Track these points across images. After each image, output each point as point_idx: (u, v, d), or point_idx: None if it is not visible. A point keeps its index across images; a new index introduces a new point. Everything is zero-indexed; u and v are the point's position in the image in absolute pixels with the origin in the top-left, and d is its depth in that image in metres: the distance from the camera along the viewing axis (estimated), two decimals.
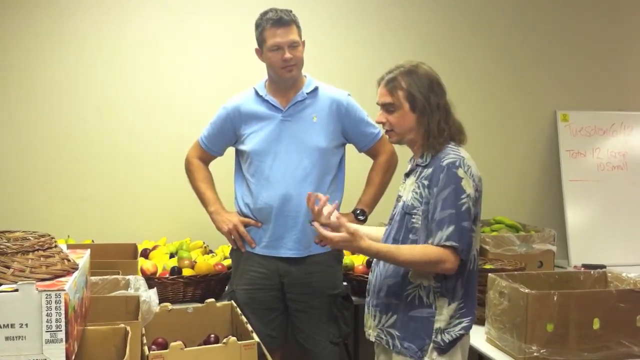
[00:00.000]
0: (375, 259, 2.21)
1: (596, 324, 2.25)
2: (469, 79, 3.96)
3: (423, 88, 2.04)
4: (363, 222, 2.70)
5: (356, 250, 2.03)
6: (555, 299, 2.22)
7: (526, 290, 2.23)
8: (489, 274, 2.49)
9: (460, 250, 1.95)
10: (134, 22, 3.52)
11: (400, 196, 2.16)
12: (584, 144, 4.06)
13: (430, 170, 2.03)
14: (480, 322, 2.52)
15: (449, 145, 2.05)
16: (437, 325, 2.01)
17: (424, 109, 2.03)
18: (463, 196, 1.96)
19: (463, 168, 1.99)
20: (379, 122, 2.16)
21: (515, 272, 2.61)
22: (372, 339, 2.16)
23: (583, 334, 2.24)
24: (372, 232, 2.27)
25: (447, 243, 1.94)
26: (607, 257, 3.68)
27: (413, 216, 2.05)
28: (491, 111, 4.04)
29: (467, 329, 2.04)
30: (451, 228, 1.94)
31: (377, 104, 2.13)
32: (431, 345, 2.00)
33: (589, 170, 4.03)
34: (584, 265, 3.61)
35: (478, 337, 2.48)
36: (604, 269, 2.68)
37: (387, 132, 2.14)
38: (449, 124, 2.06)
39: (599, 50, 4.18)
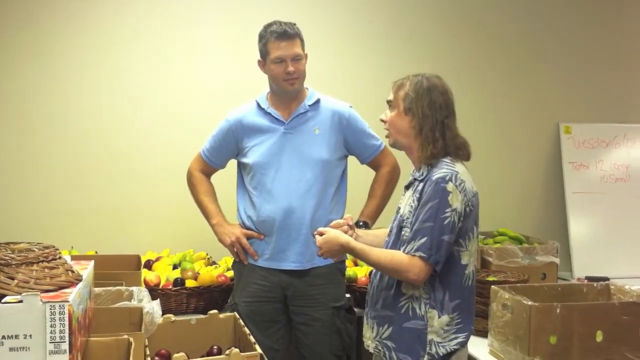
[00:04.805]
0: (373, 271, 2.22)
1: (599, 337, 2.24)
2: (471, 91, 3.96)
3: (424, 95, 2.05)
4: None
5: (340, 246, 2.10)
6: (558, 311, 2.21)
7: (529, 303, 2.23)
8: (492, 286, 2.49)
9: (434, 262, 1.95)
10: (139, 35, 3.54)
11: (399, 208, 2.17)
12: (587, 156, 4.06)
13: (423, 184, 2.04)
14: (483, 334, 2.53)
15: (445, 160, 2.04)
16: (429, 337, 2.01)
17: (416, 114, 2.05)
18: (447, 210, 1.95)
19: (454, 182, 1.98)
20: (381, 120, 2.18)
21: (518, 284, 2.60)
22: (372, 350, 2.16)
23: (586, 347, 2.23)
24: (377, 232, 2.35)
25: (416, 254, 1.95)
26: (611, 269, 3.66)
27: (403, 229, 2.07)
28: (494, 123, 4.05)
29: (463, 344, 2.04)
30: (424, 240, 1.95)
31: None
32: (426, 357, 2.00)
33: (592, 182, 4.03)
34: (587, 278, 3.59)
35: (481, 349, 2.48)
36: (607, 282, 2.67)
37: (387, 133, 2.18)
38: (446, 138, 2.05)
39: (603, 62, 4.19)
